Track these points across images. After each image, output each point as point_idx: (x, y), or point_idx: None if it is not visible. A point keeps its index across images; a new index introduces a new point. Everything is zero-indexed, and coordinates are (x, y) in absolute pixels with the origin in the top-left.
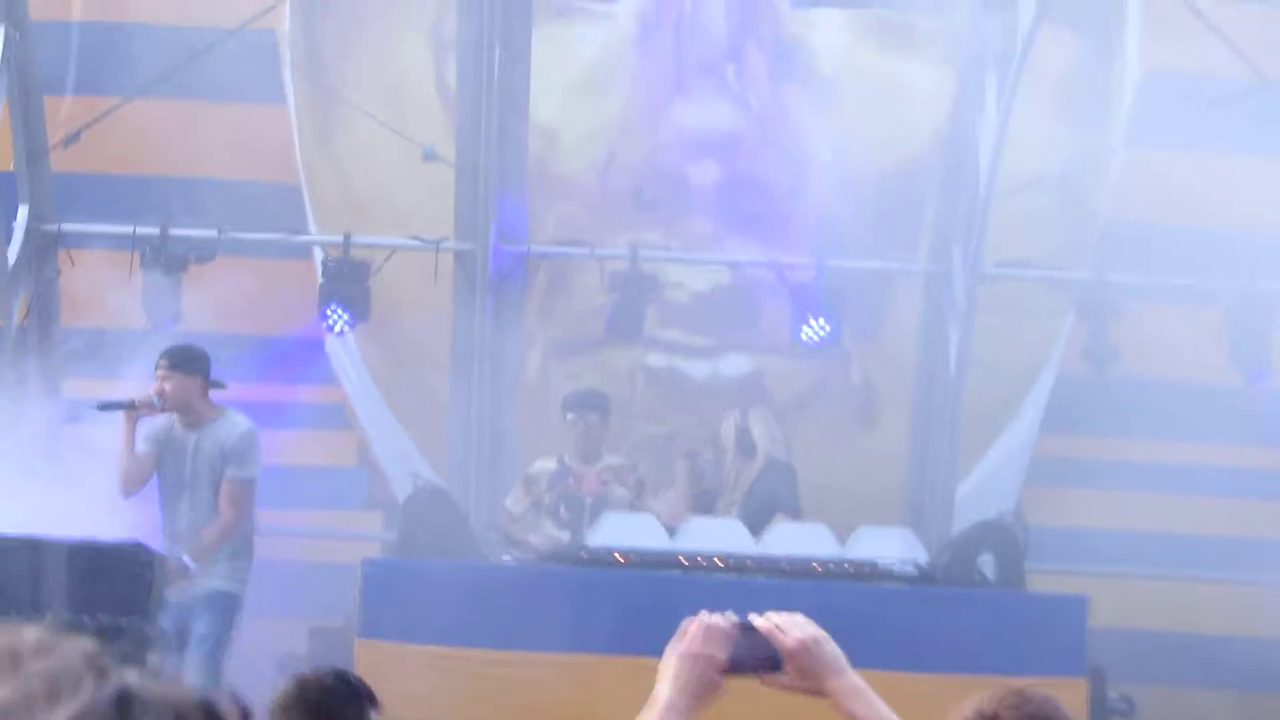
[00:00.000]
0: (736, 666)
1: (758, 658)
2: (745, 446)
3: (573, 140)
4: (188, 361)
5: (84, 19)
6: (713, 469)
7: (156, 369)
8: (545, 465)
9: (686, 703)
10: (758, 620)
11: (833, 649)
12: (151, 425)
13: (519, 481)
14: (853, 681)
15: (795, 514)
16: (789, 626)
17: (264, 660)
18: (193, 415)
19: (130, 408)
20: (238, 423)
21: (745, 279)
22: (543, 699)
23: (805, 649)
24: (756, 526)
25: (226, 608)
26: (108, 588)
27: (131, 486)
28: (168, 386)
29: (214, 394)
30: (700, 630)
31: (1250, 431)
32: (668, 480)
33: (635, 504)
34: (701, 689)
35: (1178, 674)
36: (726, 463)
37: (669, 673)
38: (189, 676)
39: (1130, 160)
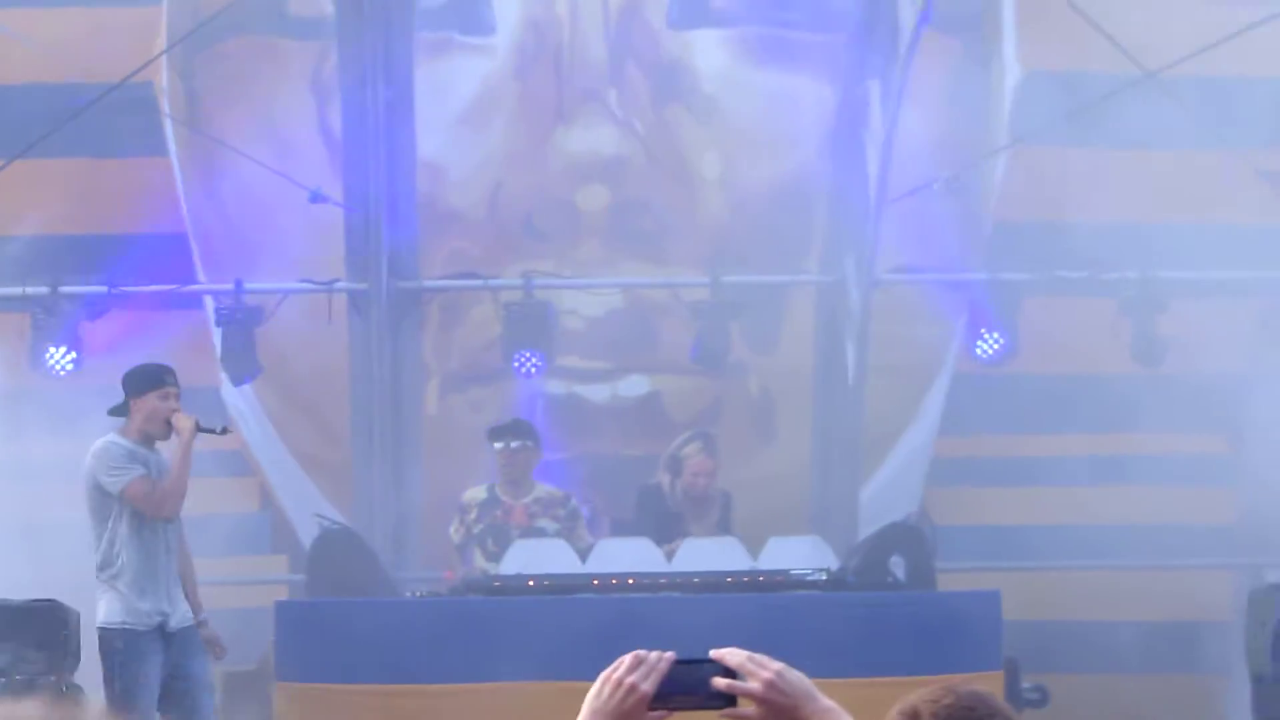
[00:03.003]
0: (664, 700)
1: (691, 693)
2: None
3: (460, 174)
4: (146, 381)
5: None
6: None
7: (169, 388)
8: (476, 495)
9: None
10: (716, 653)
11: (797, 676)
12: (123, 449)
13: (455, 511)
14: (823, 703)
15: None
16: (749, 667)
17: None
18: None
19: (224, 432)
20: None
21: (640, 301)
22: None
23: (774, 687)
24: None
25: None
26: (23, 647)
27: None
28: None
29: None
30: (629, 659)
31: (1147, 420)
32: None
33: (567, 536)
34: (619, 715)
35: (1089, 662)
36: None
37: (588, 698)
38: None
39: (1017, 160)
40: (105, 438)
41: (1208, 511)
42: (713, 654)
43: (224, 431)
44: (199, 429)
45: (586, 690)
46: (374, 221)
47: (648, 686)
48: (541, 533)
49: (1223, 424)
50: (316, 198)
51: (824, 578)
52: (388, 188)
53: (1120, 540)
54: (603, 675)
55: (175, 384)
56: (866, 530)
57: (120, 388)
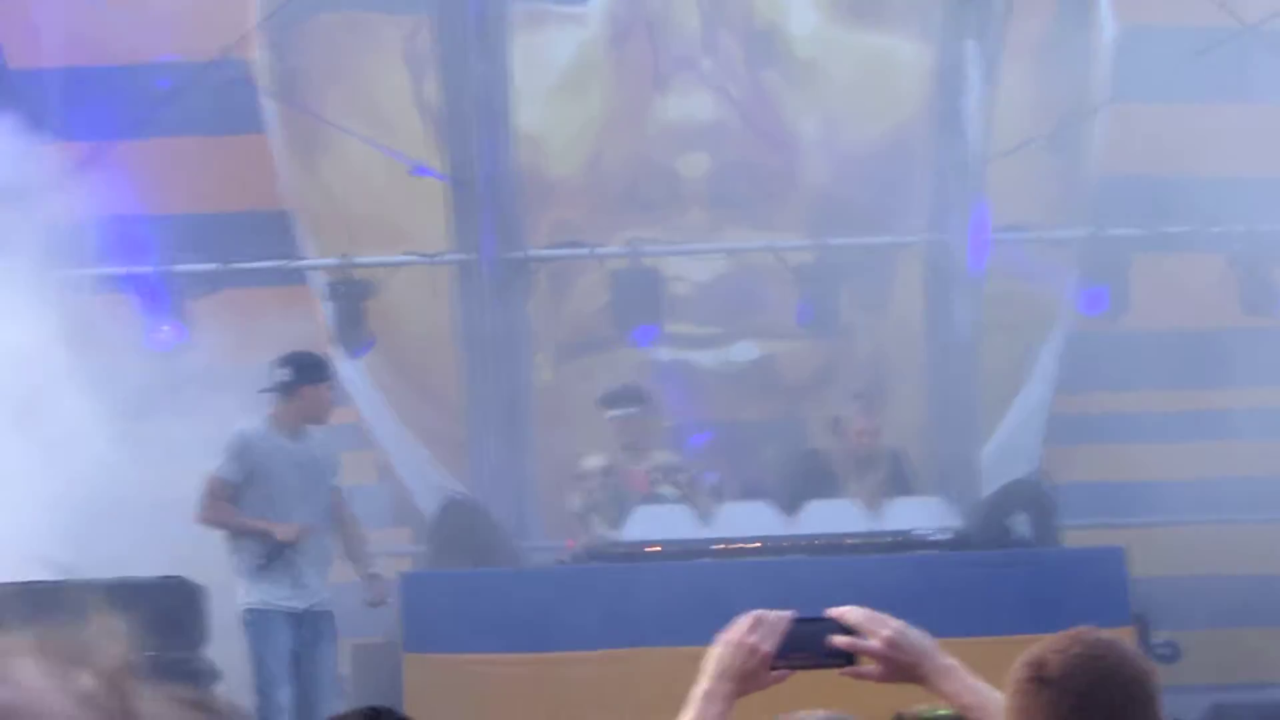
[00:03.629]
0: (785, 659)
1: (811, 652)
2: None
3: (559, 144)
4: (320, 369)
5: (58, 65)
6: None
7: (311, 381)
8: (595, 462)
9: (725, 689)
10: (834, 612)
11: (917, 634)
12: (245, 442)
13: (574, 479)
14: (944, 662)
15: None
16: (869, 625)
17: None
18: (311, 426)
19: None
20: (323, 434)
21: (746, 266)
22: (593, 696)
23: (894, 645)
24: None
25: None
26: (149, 623)
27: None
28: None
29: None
30: (748, 620)
31: (1261, 373)
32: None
33: (688, 502)
34: (741, 678)
35: (1220, 617)
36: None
37: (710, 661)
38: (315, 700)
39: (1119, 116)
40: (246, 423)
41: None
42: (831, 612)
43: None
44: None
45: (701, 654)
46: (477, 193)
47: (768, 646)
48: (662, 499)
49: None
50: (420, 170)
51: (947, 537)
52: (488, 159)
53: (1240, 494)
54: (723, 637)
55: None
56: (987, 490)
57: (279, 369)
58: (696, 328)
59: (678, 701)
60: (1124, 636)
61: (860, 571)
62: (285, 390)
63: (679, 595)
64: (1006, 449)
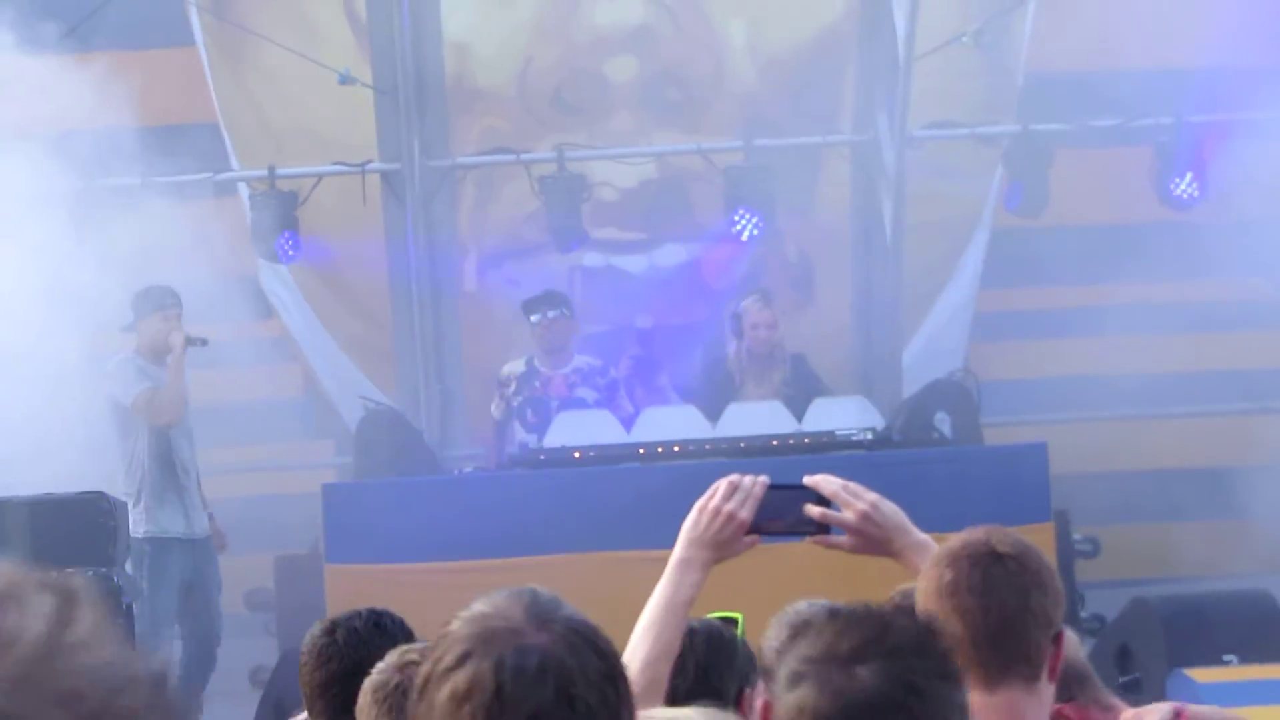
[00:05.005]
0: (761, 527)
1: (787, 520)
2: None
3: (487, 52)
4: (148, 302)
5: None
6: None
7: (169, 310)
8: (514, 368)
9: (702, 557)
10: (810, 480)
11: (891, 509)
12: (135, 365)
13: (495, 386)
14: (917, 538)
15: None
16: (844, 496)
17: (233, 595)
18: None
19: (204, 343)
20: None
21: (673, 170)
22: None
23: (868, 518)
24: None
25: None
26: (71, 539)
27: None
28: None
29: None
30: (724, 486)
31: (1188, 267)
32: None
33: (607, 405)
34: (717, 544)
35: (1139, 512)
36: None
37: (684, 527)
38: (213, 624)
39: (1044, 10)
40: (118, 356)
41: (1254, 355)
42: (807, 481)
43: (204, 343)
44: (188, 342)
45: (636, 559)
46: (403, 102)
47: (745, 513)
48: (581, 403)
49: (1265, 267)
50: (345, 79)
51: (870, 437)
52: (415, 68)
53: (1167, 388)
54: (698, 504)
55: (177, 305)
56: (911, 389)
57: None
58: (623, 233)
59: (606, 606)
60: (1045, 532)
61: (784, 472)
62: (131, 327)
63: (602, 501)
64: (931, 348)
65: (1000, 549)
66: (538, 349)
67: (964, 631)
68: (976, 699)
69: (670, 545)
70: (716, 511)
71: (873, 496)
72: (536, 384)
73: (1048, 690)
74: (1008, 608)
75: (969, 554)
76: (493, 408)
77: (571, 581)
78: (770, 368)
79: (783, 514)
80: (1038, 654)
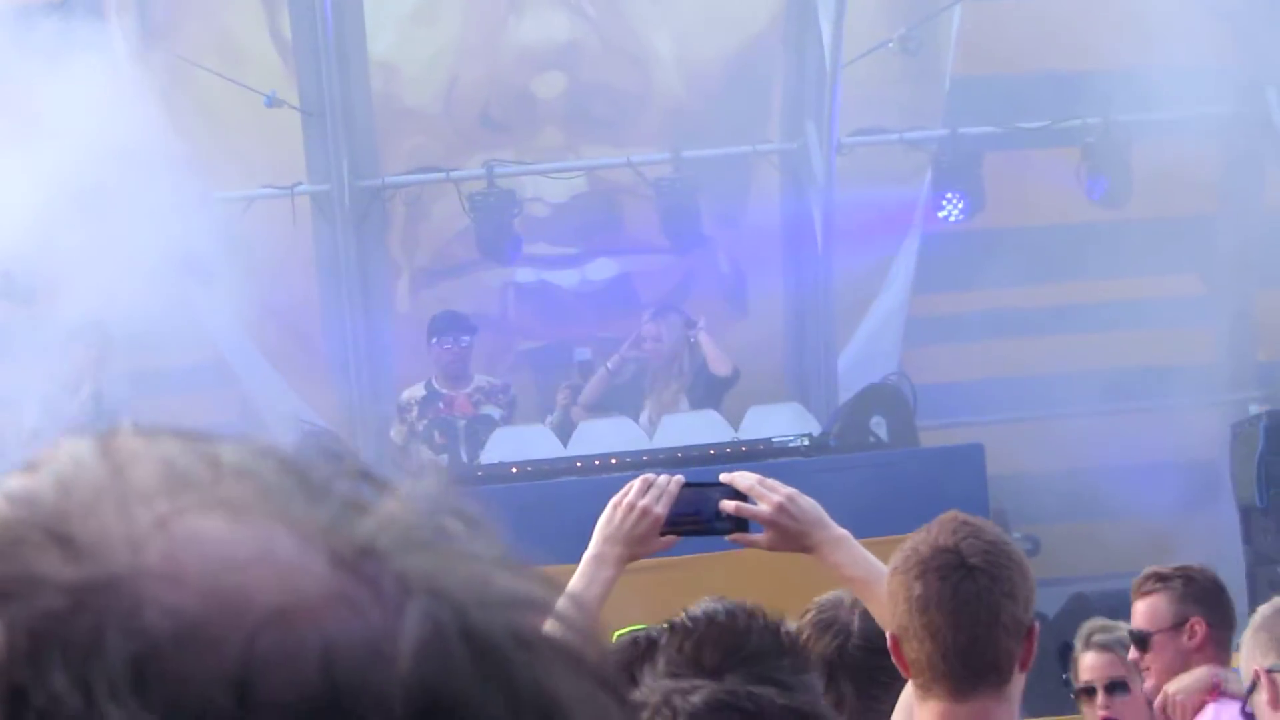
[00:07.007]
0: (677, 524)
1: (704, 517)
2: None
3: (414, 71)
4: None
5: None
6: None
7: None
8: (414, 392)
9: (615, 553)
10: (726, 477)
11: (808, 503)
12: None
13: (395, 412)
14: (835, 533)
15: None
16: (759, 490)
17: None
18: None
19: None
20: None
21: (604, 184)
22: None
23: (784, 511)
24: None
25: None
26: None
27: None
28: None
29: None
30: (638, 483)
31: (1119, 265)
32: (549, 395)
33: (509, 422)
34: (631, 540)
35: (1077, 510)
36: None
37: (599, 524)
38: None
39: (970, 14)
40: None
41: (1187, 352)
42: (723, 477)
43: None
44: None
45: (566, 571)
46: (331, 123)
47: (660, 509)
48: (489, 419)
49: (1195, 264)
50: (272, 101)
51: (806, 443)
52: (342, 88)
53: (1102, 386)
54: (613, 501)
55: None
56: (846, 394)
57: None
58: (554, 248)
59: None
60: None
61: None
62: None
63: (541, 515)
64: (866, 353)
65: (971, 560)
66: (437, 371)
67: (934, 647)
68: (945, 708)
69: None
70: (631, 507)
71: (788, 490)
72: (440, 405)
73: (1018, 684)
74: (979, 625)
75: (938, 566)
76: (393, 433)
77: None
78: (665, 380)
79: (700, 511)
80: (1008, 662)
